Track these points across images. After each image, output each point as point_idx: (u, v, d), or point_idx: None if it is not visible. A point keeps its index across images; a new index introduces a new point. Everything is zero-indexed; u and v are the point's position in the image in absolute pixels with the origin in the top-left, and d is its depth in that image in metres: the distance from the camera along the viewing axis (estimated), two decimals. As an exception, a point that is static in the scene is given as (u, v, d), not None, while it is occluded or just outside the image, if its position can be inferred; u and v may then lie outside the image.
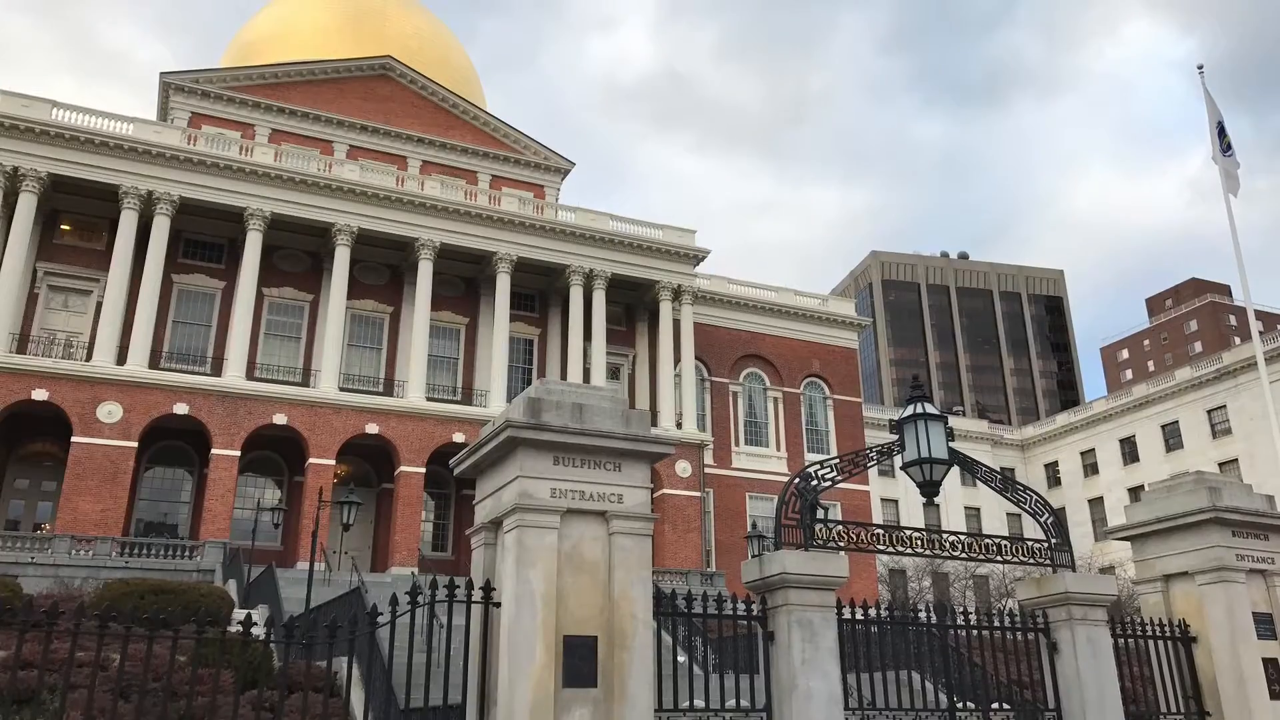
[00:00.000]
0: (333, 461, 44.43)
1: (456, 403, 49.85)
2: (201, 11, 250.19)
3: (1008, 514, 76.49)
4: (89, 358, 42.85)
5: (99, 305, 44.57)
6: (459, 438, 46.13)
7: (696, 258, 54.40)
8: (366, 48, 58.60)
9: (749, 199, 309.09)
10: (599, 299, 51.72)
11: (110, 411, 41.19)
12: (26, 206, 42.32)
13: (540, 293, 54.51)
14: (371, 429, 45.53)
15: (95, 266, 45.41)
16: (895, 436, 11.73)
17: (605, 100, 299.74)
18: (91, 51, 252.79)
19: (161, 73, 53.08)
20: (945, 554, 11.41)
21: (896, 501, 75.21)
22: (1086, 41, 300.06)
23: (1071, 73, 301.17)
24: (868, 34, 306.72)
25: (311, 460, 44.03)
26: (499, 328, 49.60)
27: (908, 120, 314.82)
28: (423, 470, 46.01)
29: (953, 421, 76.98)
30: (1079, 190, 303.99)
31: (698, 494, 51.24)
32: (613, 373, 54.53)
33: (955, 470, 12.25)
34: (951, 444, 11.73)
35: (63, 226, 46.10)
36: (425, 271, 48.47)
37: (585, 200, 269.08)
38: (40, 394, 40.55)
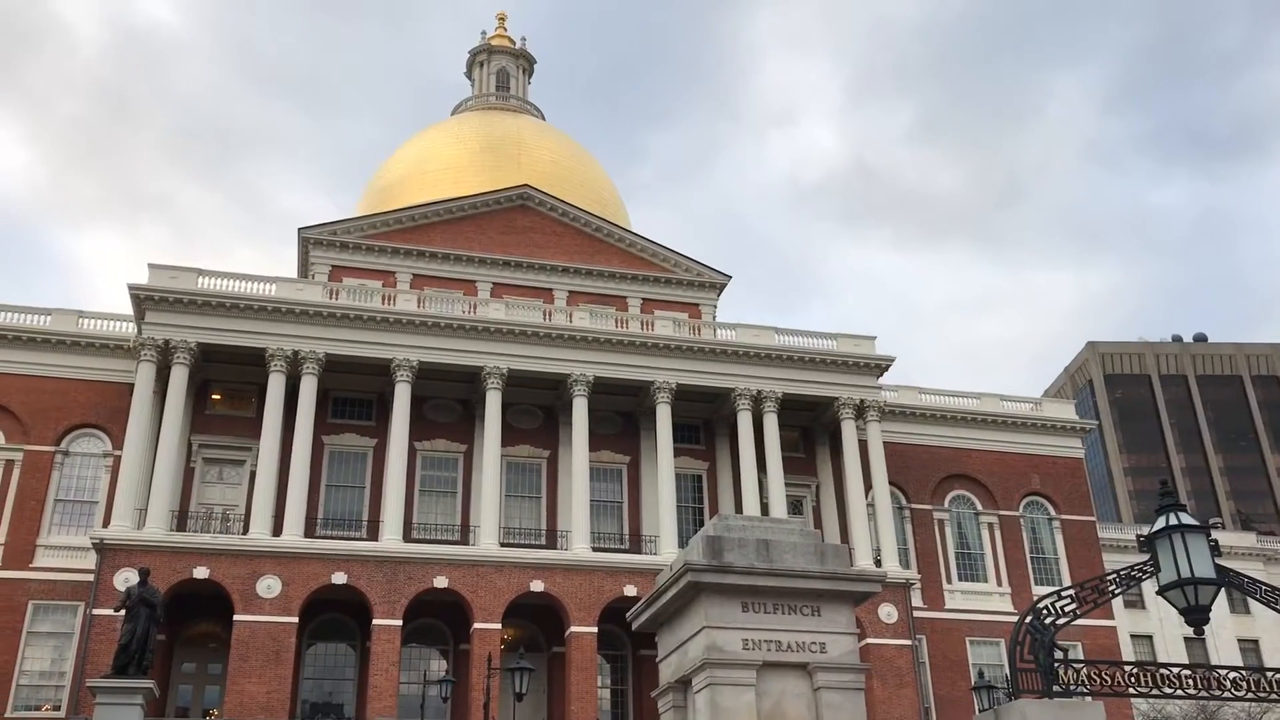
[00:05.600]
0: (498, 625, 45.04)
1: (624, 551, 50.02)
2: (333, 159, 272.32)
3: (1296, 644, 69.73)
4: (245, 530, 45.42)
5: (252, 474, 47.45)
6: (630, 591, 46.05)
7: (880, 368, 53.65)
8: (503, 179, 61.91)
9: (965, 294, 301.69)
10: (771, 423, 51.46)
11: (269, 586, 43.29)
12: (179, 380, 45.96)
13: (705, 422, 54.74)
14: (536, 586, 46.09)
15: (247, 435, 48.57)
16: (1145, 556, 11.01)
17: (790, 202, 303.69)
18: (230, 208, 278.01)
19: (300, 228, 57.36)
20: (1223, 694, 10.49)
21: (1150, 637, 69.85)
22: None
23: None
24: (1087, 94, 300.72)
25: (476, 625, 44.78)
26: (663, 463, 49.90)
27: (1143, 186, 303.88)
28: (594, 630, 46.01)
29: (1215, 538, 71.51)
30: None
31: (908, 642, 49.10)
32: (794, 506, 53.72)
33: (1223, 594, 11.35)
34: (1218, 559, 10.92)
35: (213, 396, 49.77)
36: (580, 409, 49.59)
37: (770, 314, 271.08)
38: (201, 571, 43.09)
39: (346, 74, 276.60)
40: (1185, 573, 10.63)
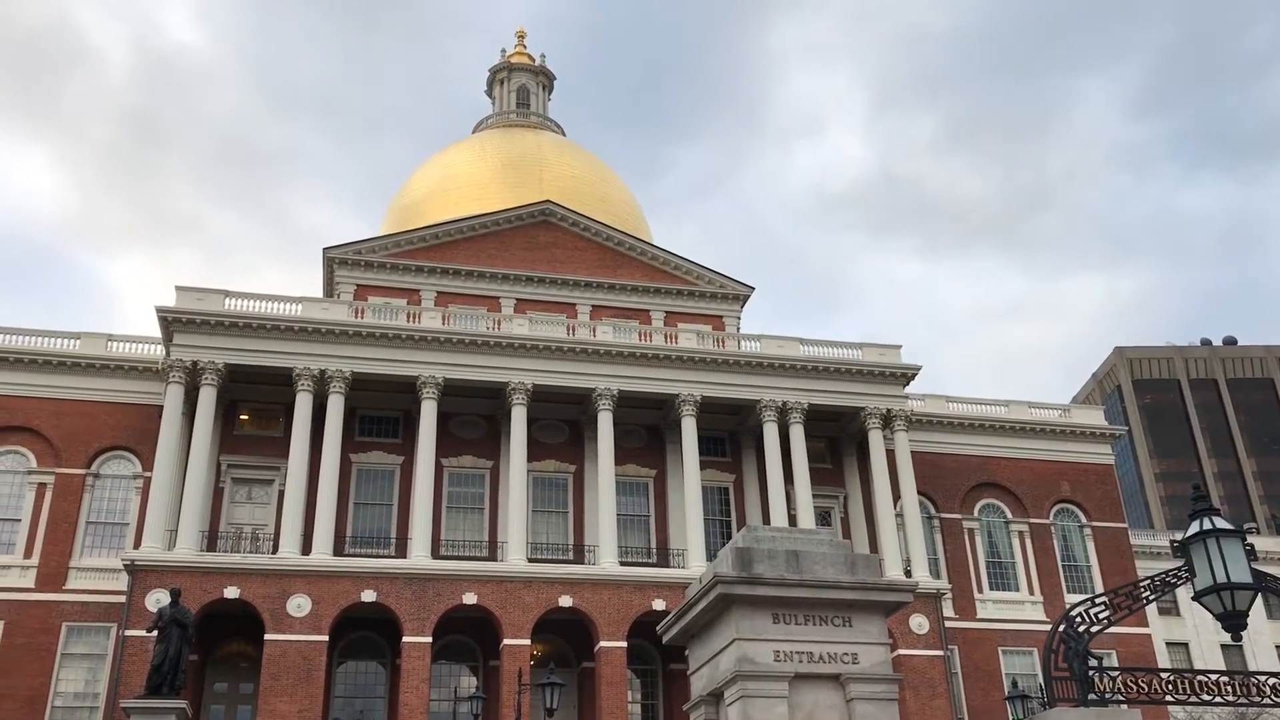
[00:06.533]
0: (528, 641, 45.06)
1: (652, 565, 49.97)
2: (360, 179, 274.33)
3: (1336, 650, 68.70)
4: (275, 549, 45.70)
5: (281, 494, 47.77)
6: (659, 605, 45.98)
7: (906, 376, 53.42)
8: (525, 196, 62.24)
9: (994, 301, 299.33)
10: (797, 434, 51.32)
11: (299, 605, 43.50)
12: (207, 400, 46.34)
13: (731, 434, 54.67)
14: (565, 601, 46.10)
15: (275, 454, 48.89)
16: (1180, 562, 10.90)
17: (815, 213, 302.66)
18: (258, 230, 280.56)
19: (325, 248, 57.86)
20: (1265, 701, 10.35)
21: (1186, 645, 68.94)
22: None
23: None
24: (1114, 99, 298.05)
25: (506, 641, 44.83)
26: (689, 477, 49.85)
27: (1172, 190, 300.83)
28: (624, 644, 45.95)
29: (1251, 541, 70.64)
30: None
31: (940, 653, 48.75)
32: (822, 517, 53.49)
33: (1260, 600, 11.22)
34: (1254, 564, 10.79)
35: (241, 417, 50.15)
36: (605, 423, 49.64)
37: (797, 326, 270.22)
38: (232, 591, 43.35)
39: (372, 94, 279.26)
40: (1221, 578, 10.51)
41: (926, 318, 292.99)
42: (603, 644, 45.86)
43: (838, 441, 55.59)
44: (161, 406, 46.52)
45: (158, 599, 39.23)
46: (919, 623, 48.61)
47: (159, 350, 49.31)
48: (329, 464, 46.44)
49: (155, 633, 29.84)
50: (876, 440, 52.15)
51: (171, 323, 46.68)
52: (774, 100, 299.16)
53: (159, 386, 47.86)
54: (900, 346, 54.36)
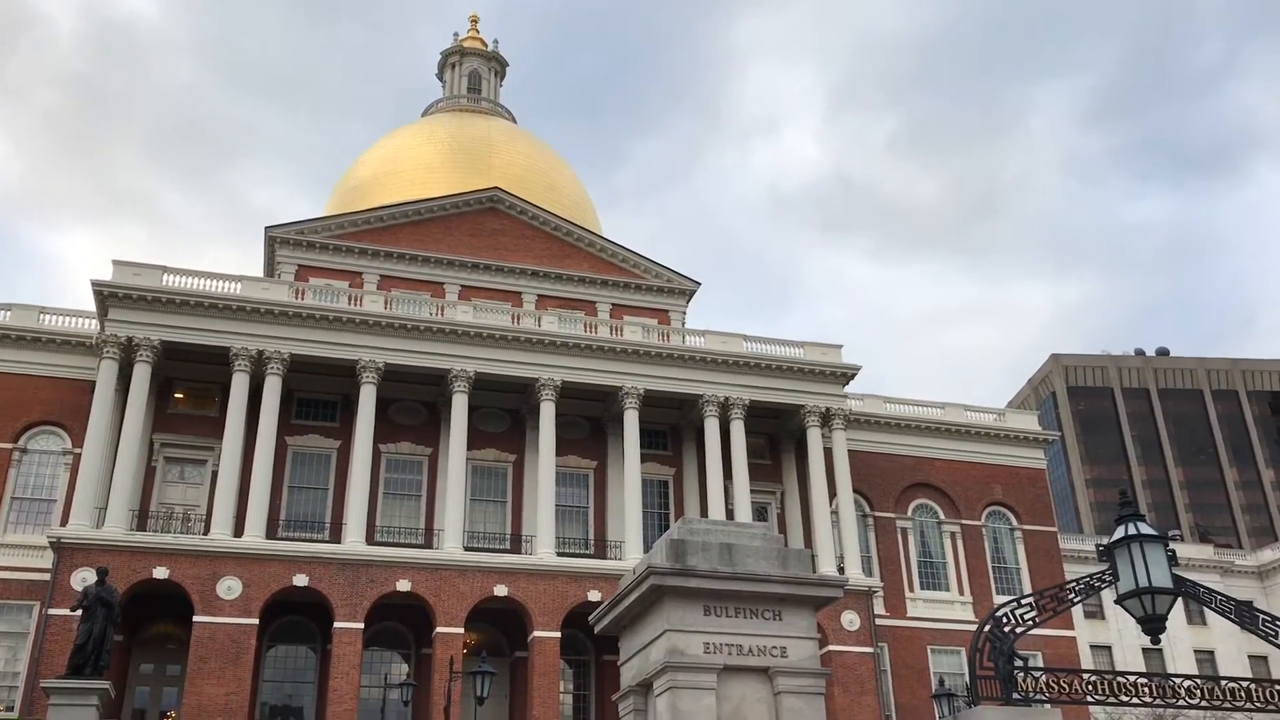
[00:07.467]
0: (461, 630, 44.82)
1: (589, 556, 49.97)
2: (313, 159, 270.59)
3: (1250, 656, 70.62)
4: (206, 531, 44.96)
5: (214, 474, 47.01)
6: (595, 596, 45.98)
7: (846, 376, 53.92)
8: (473, 182, 61.74)
9: (941, 305, 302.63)
10: (738, 430, 51.60)
11: (230, 587, 42.87)
12: (141, 377, 45.42)
13: (673, 428, 54.80)
14: (500, 591, 45.92)
15: (209, 434, 48.08)
16: (1104, 566, 11.11)
17: (770, 211, 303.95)
18: (208, 207, 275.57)
19: (266, 227, 56.88)
20: (1179, 703, 10.61)
21: (1109, 648, 70.45)
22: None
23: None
24: (1068, 108, 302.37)
25: (439, 629, 44.55)
26: (630, 469, 49.89)
27: (1120, 200, 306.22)
28: (558, 635, 45.90)
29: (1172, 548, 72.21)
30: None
31: (870, 650, 49.33)
32: (759, 513, 53.87)
33: (1180, 605, 11.49)
34: (1175, 569, 11.04)
35: (176, 395, 49.22)
36: (548, 413, 49.49)
37: (749, 323, 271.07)
38: (161, 572, 42.58)
39: (330, 73, 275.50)
40: (1143, 582, 10.74)
41: (875, 319, 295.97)
42: (536, 634, 45.76)
43: (777, 438, 55.98)
44: (94, 382, 45.57)
45: (84, 578, 38.49)
46: (850, 619, 49.14)
47: (94, 325, 48.24)
48: (264, 446, 45.78)
49: (80, 612, 29.17)
50: (815, 438, 52.60)
51: (107, 297, 45.70)
52: (734, 96, 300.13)
53: (92, 361, 46.86)
54: (841, 346, 54.89)
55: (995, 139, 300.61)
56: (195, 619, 42.13)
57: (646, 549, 47.37)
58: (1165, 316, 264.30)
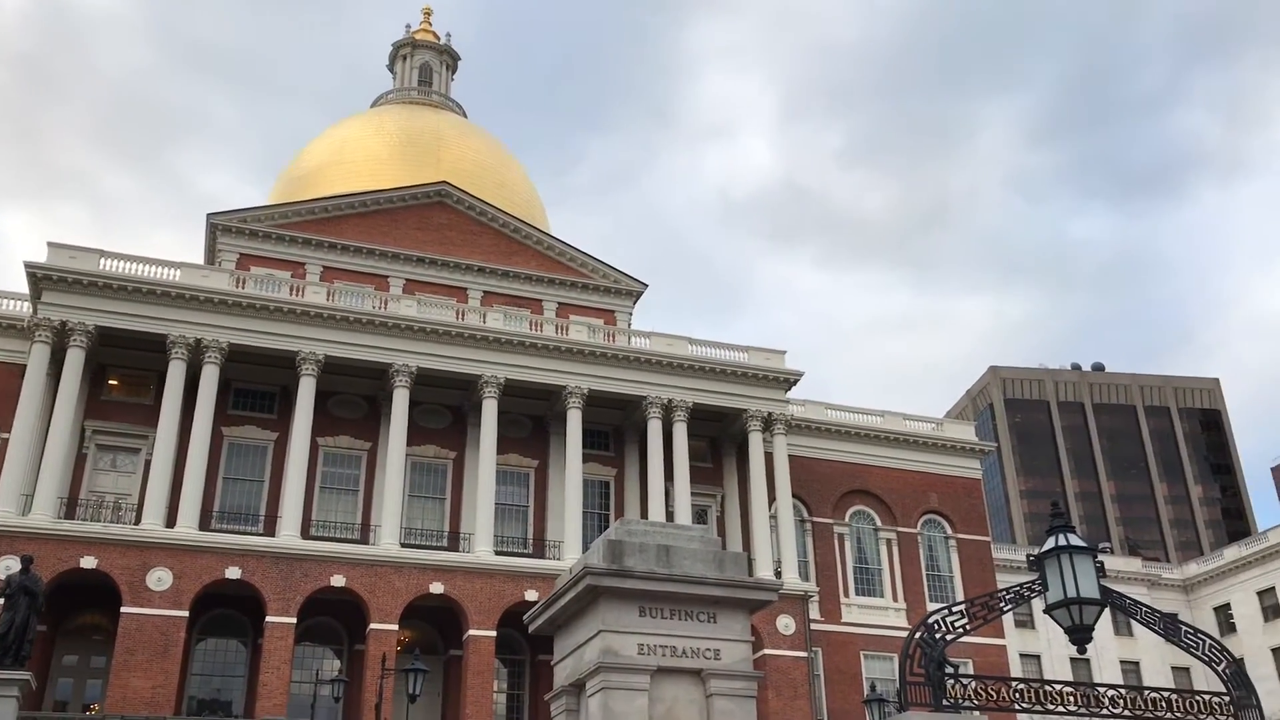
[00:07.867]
0: (395, 627, 44.39)
1: (528, 556, 49.76)
2: (262, 146, 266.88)
3: (1173, 667, 72.22)
4: (138, 520, 44.07)
5: (148, 463, 46.09)
6: (532, 595, 45.78)
7: (788, 381, 54.27)
8: (421, 175, 61.21)
9: (886, 314, 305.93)
10: (680, 432, 51.71)
11: (160, 578, 42.07)
12: (75, 362, 44.41)
13: (615, 429, 54.77)
14: (436, 588, 45.55)
15: (144, 423, 47.12)
16: (1034, 575, 11.28)
17: (720, 215, 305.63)
18: (152, 192, 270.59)
19: (209, 214, 55.96)
20: (1104, 712, 10.80)
21: (1038, 657, 71.70)
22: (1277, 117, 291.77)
23: (1265, 152, 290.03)
24: (1015, 126, 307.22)
25: (373, 626, 44.08)
26: (571, 469, 49.77)
27: (1063, 218, 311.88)
28: (493, 634, 45.65)
29: (1101, 559, 73.54)
30: (1271, 287, 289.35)
31: (804, 654, 49.67)
32: (699, 515, 54.05)
33: (1107, 616, 11.70)
34: (1103, 581, 11.24)
35: (110, 382, 48.18)
36: (490, 411, 49.20)
37: (697, 326, 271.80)
38: (89, 561, 41.68)
39: (281, 59, 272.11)
40: (1071, 592, 10.93)
41: (821, 326, 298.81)
42: (472, 632, 45.46)
43: (719, 441, 56.18)
44: (25, 365, 44.46)
45: (7, 565, 37.45)
46: (786, 623, 49.45)
47: (27, 308, 47.07)
48: (199, 436, 44.99)
49: (2, 601, 28.43)
50: (756, 442, 52.88)
51: (41, 280, 44.63)
52: (687, 99, 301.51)
53: (24, 345, 45.71)
54: (785, 352, 55.24)
55: (943, 153, 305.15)
56: (123, 610, 41.28)
57: (586, 549, 47.22)
58: (1104, 333, 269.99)
